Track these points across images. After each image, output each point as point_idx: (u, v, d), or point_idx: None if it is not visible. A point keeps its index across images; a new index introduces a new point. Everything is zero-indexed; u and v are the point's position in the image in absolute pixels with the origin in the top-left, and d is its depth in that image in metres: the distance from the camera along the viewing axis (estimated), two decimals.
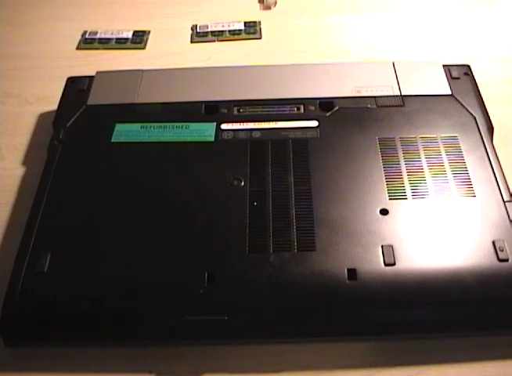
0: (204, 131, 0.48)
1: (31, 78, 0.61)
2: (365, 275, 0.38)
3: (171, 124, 0.49)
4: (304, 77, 0.53)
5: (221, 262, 0.39)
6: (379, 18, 0.67)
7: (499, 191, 0.43)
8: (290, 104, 0.51)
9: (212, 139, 0.48)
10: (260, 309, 0.38)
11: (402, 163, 0.45)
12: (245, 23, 0.67)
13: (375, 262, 0.39)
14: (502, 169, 0.45)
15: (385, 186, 0.43)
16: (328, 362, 0.38)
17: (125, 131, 0.49)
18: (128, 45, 0.65)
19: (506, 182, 0.44)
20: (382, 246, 0.40)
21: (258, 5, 0.70)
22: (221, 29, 0.66)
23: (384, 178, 0.44)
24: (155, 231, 0.42)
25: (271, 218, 0.42)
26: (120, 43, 0.65)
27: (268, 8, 0.69)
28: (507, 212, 0.42)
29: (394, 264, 0.39)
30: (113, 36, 0.66)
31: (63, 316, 0.38)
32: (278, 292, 0.38)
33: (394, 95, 0.51)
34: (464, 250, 0.39)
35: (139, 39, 0.65)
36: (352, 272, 0.38)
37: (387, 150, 0.46)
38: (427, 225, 0.41)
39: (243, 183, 0.44)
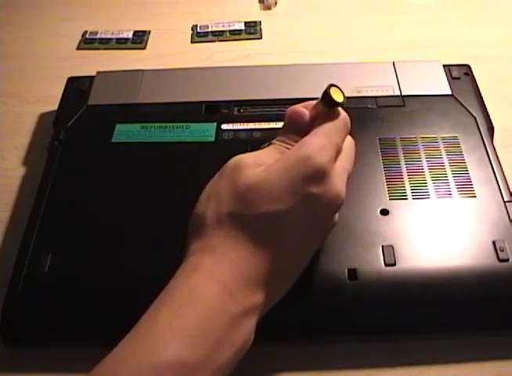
0: (205, 131, 0.49)
1: (32, 78, 0.61)
2: (365, 275, 0.38)
3: (172, 124, 0.49)
4: (304, 77, 0.53)
5: None
6: (379, 18, 0.67)
7: (499, 191, 0.43)
8: (290, 104, 0.50)
9: (212, 139, 0.48)
10: None
11: (403, 163, 0.45)
12: (245, 23, 0.67)
13: (375, 262, 0.39)
14: (502, 169, 0.45)
15: (385, 187, 0.44)
16: (328, 362, 0.38)
17: (126, 132, 0.49)
18: (129, 45, 0.65)
19: (506, 182, 0.44)
20: (382, 246, 0.40)
21: (259, 5, 0.70)
22: (221, 29, 0.66)
23: (384, 178, 0.44)
24: (155, 231, 0.42)
25: None
26: (121, 43, 0.65)
27: (268, 8, 0.69)
28: (507, 212, 0.42)
29: (394, 264, 0.39)
30: (114, 36, 0.66)
31: (64, 316, 0.38)
32: None
33: (394, 96, 0.51)
34: (464, 250, 0.39)
35: (140, 39, 0.65)
36: (353, 273, 0.38)
37: (388, 150, 0.46)
38: (427, 225, 0.41)
39: None
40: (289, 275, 0.35)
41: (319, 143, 0.34)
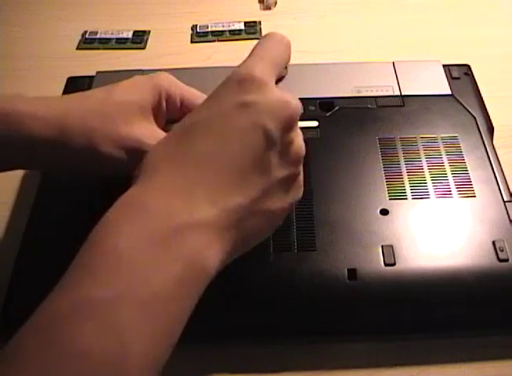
0: None
1: (31, 78, 0.61)
2: (365, 275, 0.38)
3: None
4: (304, 77, 0.53)
5: None
6: (379, 18, 0.67)
7: (499, 191, 0.43)
8: None
9: None
10: (260, 309, 0.38)
11: (402, 163, 0.45)
12: (245, 23, 0.67)
13: (375, 262, 0.39)
14: (502, 169, 0.45)
15: (385, 186, 0.43)
16: (328, 362, 0.38)
17: None
18: (128, 45, 0.65)
19: (506, 182, 0.44)
20: (382, 246, 0.40)
21: (258, 5, 0.70)
22: (221, 29, 0.66)
23: (384, 178, 0.44)
24: None
25: None
26: (121, 43, 0.65)
27: (268, 8, 0.69)
28: (507, 212, 0.42)
29: (394, 264, 0.39)
30: (113, 36, 0.66)
31: None
32: (278, 292, 0.38)
33: (394, 95, 0.51)
34: (464, 250, 0.39)
35: (139, 39, 0.65)
36: (352, 272, 0.38)
37: (387, 150, 0.46)
38: (427, 225, 0.41)
39: None
40: (245, 184, 0.31)
41: (247, 60, 0.34)
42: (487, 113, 0.49)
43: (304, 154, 0.34)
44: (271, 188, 0.32)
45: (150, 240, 0.27)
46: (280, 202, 0.34)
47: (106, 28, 0.66)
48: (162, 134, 0.38)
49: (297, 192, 0.35)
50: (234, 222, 0.30)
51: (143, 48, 0.64)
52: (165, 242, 0.28)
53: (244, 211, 0.31)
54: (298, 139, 0.34)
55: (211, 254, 0.29)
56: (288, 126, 0.32)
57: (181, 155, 0.31)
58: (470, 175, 0.44)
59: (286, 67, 0.37)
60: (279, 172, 0.33)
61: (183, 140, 0.31)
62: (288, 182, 0.34)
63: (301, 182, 0.35)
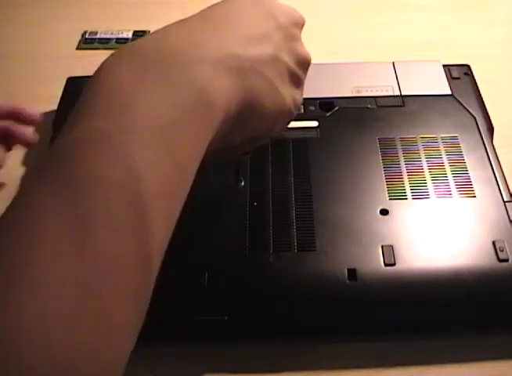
0: None
1: (31, 78, 0.61)
2: (365, 275, 0.38)
3: None
4: None
5: (221, 263, 0.39)
6: (379, 18, 0.67)
7: (499, 191, 0.43)
8: None
9: None
10: (260, 309, 0.38)
11: (402, 163, 0.45)
12: None
13: (375, 262, 0.39)
14: (502, 169, 0.45)
15: (385, 186, 0.44)
16: (328, 362, 0.38)
17: None
18: None
19: (506, 183, 0.44)
20: (382, 246, 0.40)
21: None
22: None
23: (384, 178, 0.44)
24: None
25: (271, 218, 0.42)
26: (121, 43, 0.65)
27: None
28: (507, 212, 0.42)
29: (394, 264, 0.39)
30: (113, 36, 0.65)
31: None
32: (278, 292, 0.38)
33: (394, 95, 0.51)
34: (464, 250, 0.39)
35: None
36: (352, 273, 0.38)
37: (387, 150, 0.46)
38: (427, 225, 0.41)
39: (243, 183, 0.44)
40: (248, 45, 0.31)
41: None
42: (487, 113, 0.49)
43: (310, 63, 0.36)
44: (274, 63, 0.33)
45: (153, 70, 0.27)
46: (282, 86, 0.34)
47: (106, 28, 0.66)
48: None
49: (298, 95, 0.36)
50: (237, 67, 0.30)
51: None
52: (169, 72, 0.27)
53: (247, 64, 0.31)
54: (304, 47, 0.36)
55: (217, 88, 0.28)
56: (295, 23, 0.35)
57: (191, 20, 0.31)
58: (470, 175, 0.44)
59: None
60: (284, 56, 0.34)
61: (190, 18, 0.32)
62: (292, 78, 0.35)
63: (302, 92, 0.37)
